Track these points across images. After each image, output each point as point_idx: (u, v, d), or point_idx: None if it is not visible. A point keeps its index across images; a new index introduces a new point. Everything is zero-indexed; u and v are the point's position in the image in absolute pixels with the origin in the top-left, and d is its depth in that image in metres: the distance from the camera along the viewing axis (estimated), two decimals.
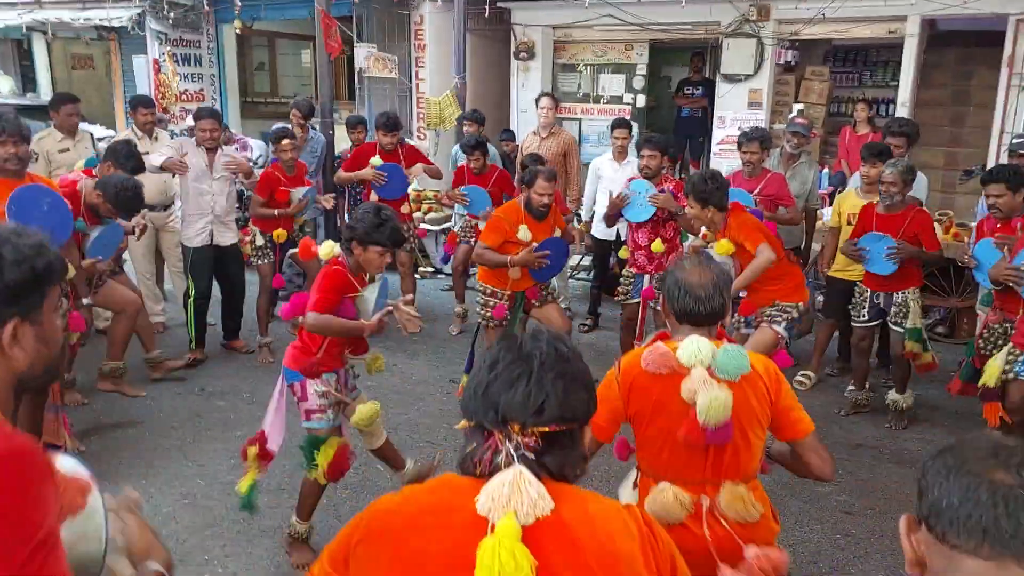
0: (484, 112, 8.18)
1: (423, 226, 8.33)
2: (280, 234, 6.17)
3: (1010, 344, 4.24)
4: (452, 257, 7.23)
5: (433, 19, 10.03)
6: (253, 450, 3.58)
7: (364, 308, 3.55)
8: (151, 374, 5.70)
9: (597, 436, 2.37)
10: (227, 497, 4.16)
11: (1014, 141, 5.97)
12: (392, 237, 3.49)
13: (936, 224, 5.59)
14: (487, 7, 9.11)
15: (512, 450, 1.37)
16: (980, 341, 4.57)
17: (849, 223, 5.38)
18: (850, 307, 5.29)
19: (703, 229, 4.68)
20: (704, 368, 2.26)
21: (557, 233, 5.14)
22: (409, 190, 7.04)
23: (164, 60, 10.90)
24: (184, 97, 11.16)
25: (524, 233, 4.95)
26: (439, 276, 8.70)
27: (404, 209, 6.76)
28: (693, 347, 2.28)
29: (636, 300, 5.63)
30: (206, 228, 5.93)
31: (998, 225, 4.55)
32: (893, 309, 5.03)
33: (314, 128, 7.75)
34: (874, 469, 4.66)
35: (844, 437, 5.04)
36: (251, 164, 7.93)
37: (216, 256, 6.03)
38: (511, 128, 9.32)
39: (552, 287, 5.50)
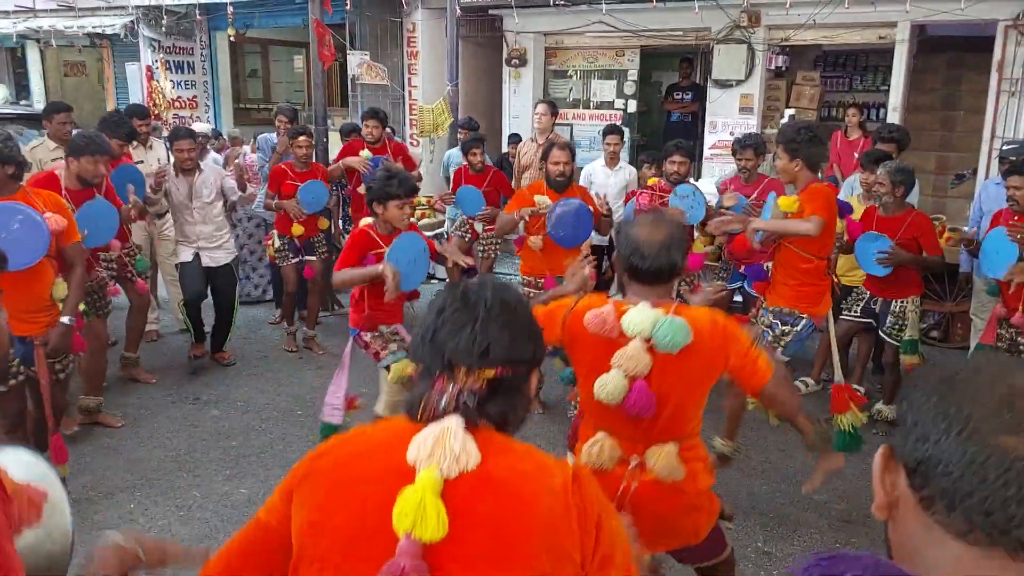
0: (476, 119, 8.21)
1: None
2: (297, 229, 6.27)
3: None
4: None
5: (425, 27, 10.05)
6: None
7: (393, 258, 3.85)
8: (119, 371, 5.72)
9: None
10: (223, 509, 4.15)
11: (1005, 148, 6.01)
12: (404, 186, 3.81)
13: None
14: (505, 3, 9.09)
15: (456, 394, 1.39)
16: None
17: None
18: (843, 304, 5.28)
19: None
20: (643, 340, 2.28)
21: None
22: None
23: (157, 67, 10.89)
24: (177, 104, 11.16)
25: (542, 199, 5.04)
26: (432, 281, 8.68)
27: None
28: (638, 317, 2.28)
29: None
30: (194, 253, 5.92)
31: (1014, 219, 4.55)
32: (890, 319, 4.99)
33: None
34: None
35: None
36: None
37: (207, 274, 5.98)
38: (508, 134, 9.33)
39: None
